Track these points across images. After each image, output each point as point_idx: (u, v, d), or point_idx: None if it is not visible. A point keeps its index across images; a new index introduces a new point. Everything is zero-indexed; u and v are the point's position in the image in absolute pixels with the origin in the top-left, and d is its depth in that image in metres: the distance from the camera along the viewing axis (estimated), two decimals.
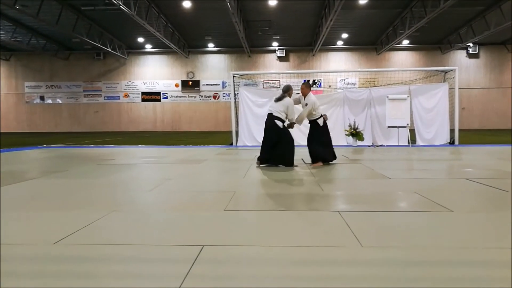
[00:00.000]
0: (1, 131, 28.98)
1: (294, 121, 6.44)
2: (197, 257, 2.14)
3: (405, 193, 4.11)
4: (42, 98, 30.49)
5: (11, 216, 3.17)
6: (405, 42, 27.46)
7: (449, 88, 11.99)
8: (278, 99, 6.31)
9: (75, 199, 3.86)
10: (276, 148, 6.17)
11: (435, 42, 27.80)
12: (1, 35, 23.39)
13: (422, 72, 17.77)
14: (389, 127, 11.49)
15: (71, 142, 14.59)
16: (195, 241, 2.42)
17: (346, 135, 11.62)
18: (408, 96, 11.52)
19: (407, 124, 11.25)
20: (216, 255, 2.21)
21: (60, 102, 30.51)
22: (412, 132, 11.85)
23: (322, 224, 2.87)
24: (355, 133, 11.24)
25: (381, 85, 14.27)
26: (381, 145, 11.42)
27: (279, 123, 6.17)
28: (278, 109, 6.22)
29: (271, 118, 6.22)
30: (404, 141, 11.49)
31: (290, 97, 6.43)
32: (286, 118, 6.32)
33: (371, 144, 11.74)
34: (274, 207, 3.53)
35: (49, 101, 30.54)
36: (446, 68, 12.99)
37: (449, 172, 5.97)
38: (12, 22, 22.23)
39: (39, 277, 1.92)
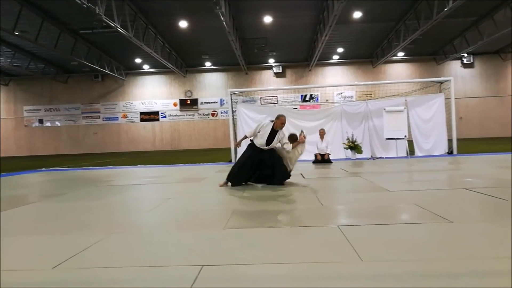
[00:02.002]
0: (1, 155, 28.99)
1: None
2: (196, 277, 2.13)
3: (405, 205, 4.10)
4: (41, 121, 30.62)
5: (9, 241, 3.15)
6: (400, 54, 27.74)
7: (446, 98, 12.07)
8: None
9: (74, 222, 3.85)
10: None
11: (430, 53, 28.09)
12: (1, 61, 23.62)
13: (418, 84, 17.87)
14: (387, 139, 11.53)
15: (70, 164, 14.59)
16: (194, 261, 2.42)
17: (345, 148, 11.64)
18: (405, 108, 11.59)
19: (405, 136, 11.28)
20: (215, 274, 2.20)
21: (59, 124, 30.63)
22: (411, 143, 11.89)
23: (322, 240, 2.86)
24: (354, 146, 11.26)
25: (378, 98, 14.37)
26: (380, 157, 11.43)
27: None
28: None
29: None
30: (403, 152, 11.50)
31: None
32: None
33: (370, 156, 11.75)
34: (273, 223, 3.52)
35: (48, 124, 30.66)
36: (442, 78, 13.10)
37: (448, 183, 5.97)
38: (11, 48, 22.49)
39: None
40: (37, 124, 30.70)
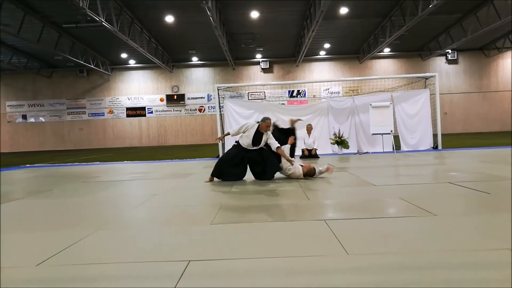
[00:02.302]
0: (0, 150, 28.42)
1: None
2: (183, 272, 2.13)
3: (390, 199, 4.15)
4: (24, 117, 30.03)
5: None
6: (387, 50, 27.96)
7: (431, 94, 12.23)
8: None
9: (59, 219, 3.81)
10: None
11: (415, 49, 28.37)
12: None
13: (404, 79, 18.09)
14: (373, 134, 11.64)
15: (55, 160, 14.38)
16: (181, 257, 2.41)
17: (332, 143, 11.72)
18: (390, 103, 11.71)
19: (391, 131, 11.41)
20: (202, 269, 2.20)
21: (43, 120, 30.09)
22: (397, 138, 12.02)
23: (309, 234, 2.88)
24: (340, 141, 11.34)
25: (364, 93, 14.48)
26: (366, 152, 11.54)
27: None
28: None
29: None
30: (389, 147, 11.64)
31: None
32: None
33: (357, 151, 11.85)
34: (260, 218, 3.53)
35: (32, 119, 30.09)
36: (427, 74, 13.27)
37: (433, 177, 6.06)
38: None
39: None
40: (20, 120, 30.10)
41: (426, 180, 5.60)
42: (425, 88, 12.69)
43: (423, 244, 2.51)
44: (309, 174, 5.93)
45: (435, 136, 11.96)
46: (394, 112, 11.89)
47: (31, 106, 30.03)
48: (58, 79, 29.77)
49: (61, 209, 4.35)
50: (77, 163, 12.19)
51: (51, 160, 14.91)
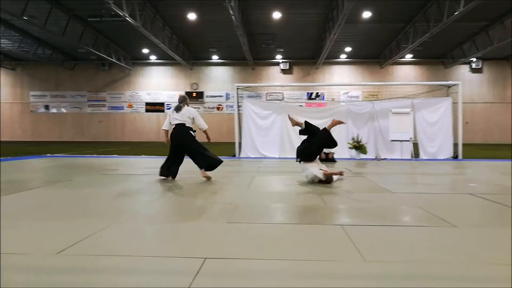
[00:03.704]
0: (6, 139, 29.10)
1: (203, 128, 6.60)
2: (199, 269, 2.14)
3: (409, 207, 4.09)
4: (46, 107, 30.66)
5: (13, 225, 3.17)
6: (408, 56, 27.55)
7: (453, 103, 12.01)
8: (179, 109, 6.38)
9: (77, 209, 3.87)
10: (195, 156, 6.29)
11: (438, 56, 27.88)
12: (8, 45, 23.65)
13: (425, 86, 17.78)
14: (392, 140, 11.49)
15: (74, 151, 14.64)
16: (197, 254, 2.42)
17: (349, 148, 11.61)
18: (411, 110, 11.54)
19: (410, 138, 11.24)
20: (218, 268, 2.20)
21: (65, 111, 30.66)
22: (416, 146, 11.83)
23: (325, 238, 2.86)
24: (358, 146, 11.24)
25: (384, 99, 14.29)
26: (384, 159, 11.40)
27: (193, 133, 6.38)
28: (185, 119, 6.35)
29: (185, 128, 6.33)
30: (407, 155, 11.47)
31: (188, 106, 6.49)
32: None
33: (374, 157, 11.72)
34: (276, 219, 3.52)
35: (54, 110, 30.70)
36: (450, 82, 13.05)
37: (453, 187, 5.94)
38: (19, 32, 22.49)
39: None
40: (43, 110, 30.74)
41: (446, 190, 5.50)
42: (447, 96, 12.47)
43: (443, 255, 2.46)
44: (327, 181, 5.85)
45: (455, 145, 11.74)
46: (414, 119, 11.71)
47: (54, 97, 30.64)
48: (80, 72, 30.29)
49: (79, 199, 4.42)
50: (95, 155, 12.38)
51: (70, 150, 15.18)
